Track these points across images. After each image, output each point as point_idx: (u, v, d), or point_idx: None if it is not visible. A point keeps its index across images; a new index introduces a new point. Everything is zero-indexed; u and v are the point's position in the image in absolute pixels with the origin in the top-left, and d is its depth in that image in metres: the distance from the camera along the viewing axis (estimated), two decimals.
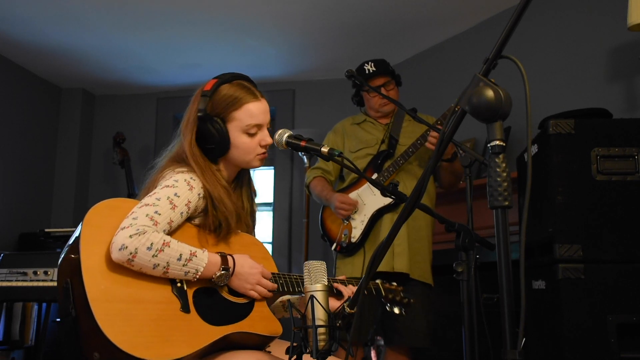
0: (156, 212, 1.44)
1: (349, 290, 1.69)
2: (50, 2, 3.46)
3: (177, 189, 1.51)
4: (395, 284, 1.84)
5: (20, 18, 3.65)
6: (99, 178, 4.86)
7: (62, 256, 1.42)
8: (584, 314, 1.98)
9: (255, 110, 1.65)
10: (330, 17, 3.65)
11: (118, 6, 3.51)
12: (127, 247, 1.35)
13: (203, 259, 1.45)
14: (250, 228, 1.76)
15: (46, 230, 3.51)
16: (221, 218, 1.58)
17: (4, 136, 4.18)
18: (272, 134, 1.69)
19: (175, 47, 4.09)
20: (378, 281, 1.80)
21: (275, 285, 1.60)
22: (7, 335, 3.62)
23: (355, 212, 2.65)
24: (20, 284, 2.87)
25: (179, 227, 1.53)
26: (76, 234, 1.41)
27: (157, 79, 4.62)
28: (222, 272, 1.48)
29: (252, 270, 1.53)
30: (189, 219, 1.57)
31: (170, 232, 1.49)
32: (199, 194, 1.55)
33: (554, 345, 2.09)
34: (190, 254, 1.44)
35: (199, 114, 1.62)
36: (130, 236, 1.36)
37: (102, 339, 1.28)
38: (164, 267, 1.40)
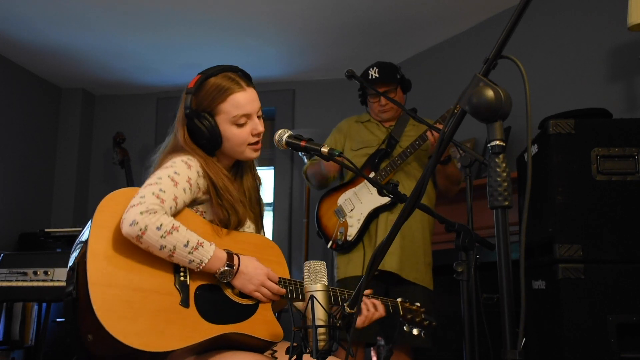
0: (160, 189, 1.47)
1: (371, 310, 1.67)
2: (50, 2, 3.46)
3: (176, 168, 1.54)
4: (418, 304, 1.81)
5: (20, 18, 3.65)
6: (99, 178, 4.86)
7: (77, 243, 1.46)
8: (584, 314, 1.98)
9: (242, 100, 1.64)
10: (330, 17, 3.65)
11: (118, 6, 3.51)
12: (137, 223, 1.38)
13: (209, 251, 1.46)
14: (257, 217, 1.75)
15: (46, 230, 3.52)
16: (227, 206, 1.59)
17: (4, 136, 4.17)
18: (270, 130, 1.68)
19: (175, 47, 4.09)
20: (398, 300, 1.77)
21: (283, 289, 1.58)
22: (7, 335, 3.62)
23: (352, 210, 2.65)
24: (20, 284, 2.87)
25: (193, 222, 1.53)
26: (90, 221, 1.44)
27: (157, 79, 4.62)
28: (226, 268, 1.48)
29: (256, 271, 1.53)
30: (194, 204, 1.58)
31: (175, 214, 1.50)
32: (197, 172, 1.57)
33: (554, 345, 2.09)
34: (198, 243, 1.45)
35: (186, 112, 1.63)
36: (141, 213, 1.40)
37: (95, 322, 1.30)
38: (170, 251, 1.41)
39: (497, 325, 1.03)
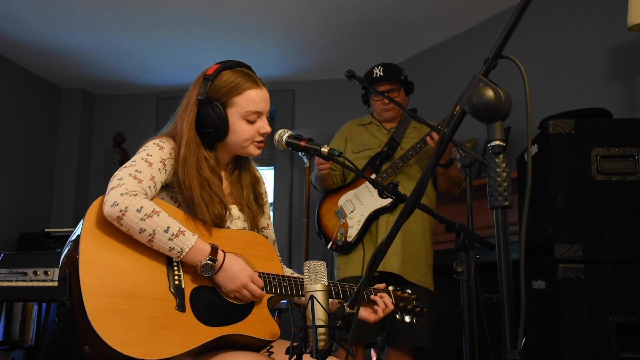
0: (136, 170, 1.48)
1: (382, 307, 1.67)
2: (50, 2, 3.46)
3: (148, 150, 1.56)
4: (409, 291, 1.81)
5: (20, 18, 3.65)
6: (99, 178, 4.85)
7: (66, 246, 1.44)
8: (584, 314, 1.98)
9: (256, 97, 1.65)
10: (330, 17, 3.65)
11: (118, 6, 3.51)
12: (118, 204, 1.38)
13: (190, 240, 1.44)
14: (254, 214, 1.72)
15: (46, 230, 3.51)
16: (191, 205, 1.56)
17: (4, 136, 4.17)
18: (273, 130, 1.68)
19: (175, 47, 4.09)
20: (390, 288, 1.77)
21: (265, 293, 1.55)
22: (7, 335, 3.62)
23: (353, 211, 2.66)
24: (20, 284, 2.87)
25: (178, 216, 1.51)
26: (80, 225, 1.42)
27: (157, 79, 4.62)
28: (208, 261, 1.45)
29: (241, 271, 1.49)
30: (172, 192, 1.57)
31: (155, 196, 1.50)
32: (170, 153, 1.58)
33: (554, 345, 2.09)
34: (179, 231, 1.43)
35: (199, 97, 1.62)
36: (122, 194, 1.40)
37: (92, 334, 1.29)
38: (150, 235, 1.40)
39: (497, 325, 1.03)
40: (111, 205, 1.39)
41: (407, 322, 1.76)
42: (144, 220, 1.39)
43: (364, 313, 1.68)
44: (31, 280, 2.88)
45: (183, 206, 1.58)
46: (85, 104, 4.85)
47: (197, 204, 1.56)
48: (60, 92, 4.81)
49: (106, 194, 1.42)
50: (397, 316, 1.76)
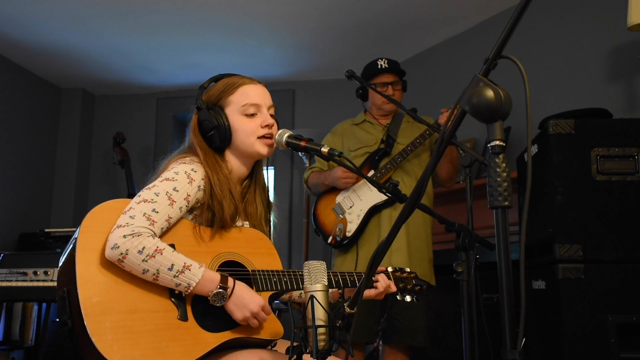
0: (154, 210, 1.41)
1: (384, 283, 1.66)
2: (50, 2, 3.46)
3: (177, 182, 1.48)
4: (407, 270, 1.79)
5: (20, 18, 3.65)
6: (99, 178, 4.86)
7: (61, 263, 1.41)
8: (584, 314, 1.98)
9: (251, 91, 1.65)
10: (330, 17, 3.65)
11: (118, 6, 3.51)
12: (119, 247, 1.33)
13: (197, 274, 1.40)
14: (266, 235, 1.71)
15: (46, 230, 3.51)
16: (214, 204, 1.53)
17: (4, 136, 4.18)
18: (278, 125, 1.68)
19: (175, 47, 4.09)
20: (389, 269, 1.75)
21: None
22: (7, 335, 3.62)
23: (351, 207, 2.66)
24: (20, 284, 2.86)
25: (174, 227, 1.49)
26: (73, 240, 1.39)
27: (157, 79, 4.62)
28: (219, 290, 1.41)
29: (253, 299, 1.46)
30: (189, 210, 1.54)
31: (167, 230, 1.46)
32: (198, 186, 1.52)
33: (554, 345, 2.09)
34: (184, 266, 1.39)
35: (196, 106, 1.64)
36: (124, 236, 1.34)
37: (95, 353, 1.27)
38: (154, 274, 1.36)
39: (497, 325, 1.03)
40: (111, 248, 1.34)
41: (408, 302, 1.74)
42: (146, 261, 1.35)
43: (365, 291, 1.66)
44: (31, 280, 2.87)
45: (201, 218, 1.54)
46: (85, 104, 4.85)
47: (226, 199, 1.55)
48: (60, 92, 4.81)
49: (112, 229, 1.36)
50: (398, 297, 1.74)
